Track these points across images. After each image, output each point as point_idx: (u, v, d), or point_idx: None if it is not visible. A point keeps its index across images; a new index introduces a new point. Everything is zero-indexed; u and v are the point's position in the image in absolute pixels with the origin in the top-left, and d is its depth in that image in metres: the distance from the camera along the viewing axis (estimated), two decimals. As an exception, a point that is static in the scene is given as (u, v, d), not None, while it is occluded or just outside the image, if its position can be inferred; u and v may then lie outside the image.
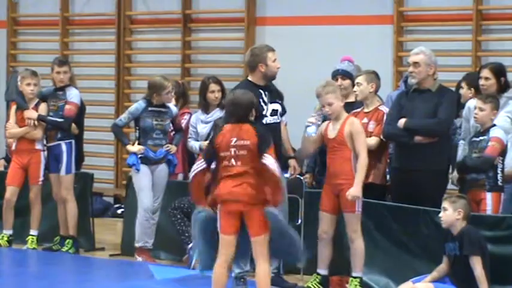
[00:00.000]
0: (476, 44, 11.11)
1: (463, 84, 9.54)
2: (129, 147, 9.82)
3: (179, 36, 13.33)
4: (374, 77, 9.39)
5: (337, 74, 9.40)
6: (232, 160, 7.42)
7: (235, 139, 7.45)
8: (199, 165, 7.92)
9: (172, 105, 10.11)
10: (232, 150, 7.43)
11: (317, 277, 8.61)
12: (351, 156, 8.39)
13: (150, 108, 9.85)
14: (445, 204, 7.99)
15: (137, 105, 9.92)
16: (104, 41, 14.22)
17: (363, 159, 8.38)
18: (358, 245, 8.38)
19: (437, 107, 8.77)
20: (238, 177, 7.42)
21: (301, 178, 8.90)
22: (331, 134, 8.46)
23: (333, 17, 11.96)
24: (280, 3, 12.46)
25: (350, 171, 8.35)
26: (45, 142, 10.47)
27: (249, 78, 8.78)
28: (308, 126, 8.56)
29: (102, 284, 9.36)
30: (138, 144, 9.78)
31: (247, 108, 7.59)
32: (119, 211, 11.57)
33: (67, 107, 10.34)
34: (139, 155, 9.73)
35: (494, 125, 8.53)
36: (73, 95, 10.41)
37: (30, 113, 10.34)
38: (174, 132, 10.12)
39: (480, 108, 8.55)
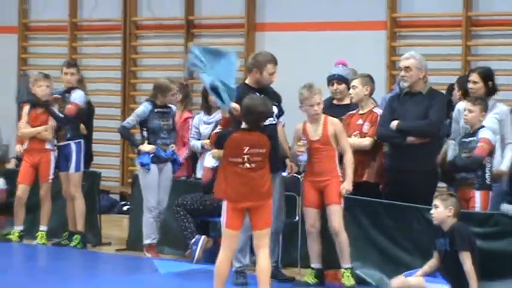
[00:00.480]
0: (466, 49, 11.15)
1: (456, 87, 9.60)
2: (142, 147, 9.80)
3: (182, 41, 13.33)
4: (369, 80, 9.41)
5: (333, 79, 9.45)
6: (247, 164, 7.40)
7: (248, 147, 7.42)
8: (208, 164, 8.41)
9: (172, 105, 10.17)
10: (246, 157, 7.40)
11: (312, 271, 8.61)
12: (336, 155, 8.45)
13: (156, 110, 9.87)
14: (436, 201, 8.04)
15: (144, 107, 9.92)
16: (110, 45, 14.25)
17: (350, 157, 8.50)
18: (343, 237, 8.38)
19: (428, 109, 8.80)
20: (250, 177, 7.43)
21: (299, 177, 8.92)
22: (314, 135, 8.53)
23: (329, 23, 11.96)
24: (279, 10, 12.47)
25: (335, 168, 8.45)
26: (55, 142, 10.49)
27: (246, 81, 8.83)
28: None
29: (109, 278, 9.37)
30: (148, 144, 9.79)
31: (261, 118, 7.59)
32: (125, 208, 11.59)
33: (68, 106, 10.39)
34: (151, 155, 9.76)
35: (483, 127, 8.54)
36: (76, 96, 10.44)
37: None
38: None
39: (469, 110, 8.57)
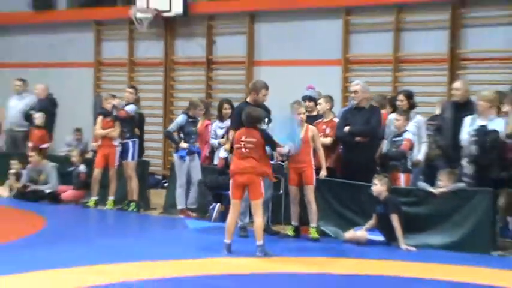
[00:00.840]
0: (395, 79, 11.01)
1: (388, 104, 9.58)
2: (182, 145, 9.72)
3: (203, 77, 13.01)
4: (330, 99, 9.43)
5: (305, 98, 9.32)
6: (243, 149, 7.49)
7: (244, 136, 7.53)
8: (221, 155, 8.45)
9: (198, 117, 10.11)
10: (243, 144, 7.50)
11: (291, 227, 8.62)
12: (311, 150, 8.43)
13: (189, 120, 9.84)
14: (375, 181, 8.20)
15: (182, 118, 9.85)
16: (153, 82, 13.75)
17: (322, 152, 8.48)
18: (313, 206, 8.36)
19: (369, 119, 8.82)
20: (246, 159, 7.49)
21: (283, 164, 8.79)
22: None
23: (303, 60, 11.77)
24: (270, 52, 12.24)
25: (310, 159, 8.40)
26: (119, 140, 10.43)
27: (247, 99, 8.80)
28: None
29: (154, 231, 9.33)
30: (184, 142, 9.75)
31: (256, 121, 7.64)
32: (165, 184, 11.58)
33: (120, 111, 10.41)
34: (186, 150, 9.73)
35: (407, 130, 8.66)
36: (129, 108, 10.42)
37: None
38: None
39: (397, 119, 8.71)
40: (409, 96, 9.11)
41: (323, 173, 8.49)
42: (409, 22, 11.19)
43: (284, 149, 8.05)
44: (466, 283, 6.50)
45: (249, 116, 7.67)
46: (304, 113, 8.59)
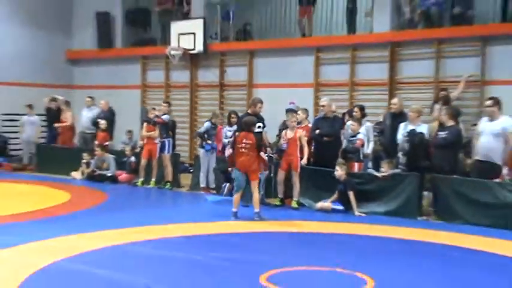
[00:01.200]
0: (351, 97, 10.84)
1: (347, 115, 9.48)
2: (207, 142, 9.63)
3: (217, 96, 12.77)
4: (306, 111, 9.43)
5: (289, 111, 9.19)
6: (243, 149, 7.49)
7: (244, 139, 7.52)
8: (229, 150, 8.19)
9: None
10: (243, 144, 7.48)
11: (278, 199, 8.61)
12: (298, 147, 8.36)
13: (212, 126, 9.78)
14: (337, 167, 8.19)
15: (207, 124, 9.78)
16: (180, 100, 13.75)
17: (306, 149, 8.40)
18: (298, 185, 8.34)
19: (333, 124, 8.79)
20: (246, 156, 7.48)
21: (272, 156, 8.79)
22: (290, 135, 8.41)
23: (287, 83, 11.65)
24: (264, 78, 12.14)
25: (297, 153, 8.33)
26: (159, 139, 10.33)
27: (248, 111, 8.77)
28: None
29: (183, 203, 9.21)
30: (208, 141, 9.68)
31: (250, 125, 7.67)
32: (190, 170, 11.55)
33: (158, 119, 10.25)
34: (209, 146, 9.67)
35: (359, 133, 8.63)
36: (164, 117, 10.28)
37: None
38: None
39: (353, 124, 8.69)
40: (362, 108, 9.15)
41: (304, 161, 8.38)
42: (360, 57, 11.10)
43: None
44: (400, 238, 6.53)
45: (244, 123, 7.70)
46: (295, 121, 8.53)
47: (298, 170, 8.34)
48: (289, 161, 8.37)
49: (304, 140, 8.46)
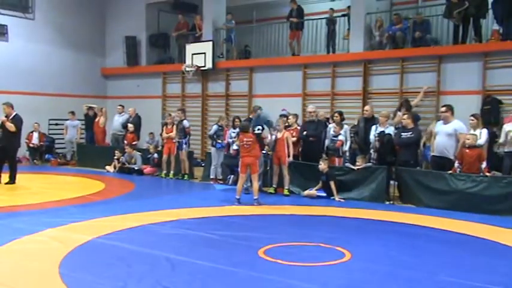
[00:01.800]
0: (332, 106, 10.78)
1: (331, 119, 9.37)
2: (218, 141, 9.58)
3: (223, 104, 12.56)
4: (296, 116, 9.36)
5: (282, 116, 9.16)
6: (245, 145, 7.47)
7: (245, 138, 7.52)
8: (234, 148, 8.25)
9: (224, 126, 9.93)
10: (245, 142, 7.48)
11: (272, 188, 8.52)
12: (285, 145, 8.33)
13: (219, 127, 9.75)
14: (321, 162, 8.11)
15: (216, 127, 9.74)
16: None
17: (292, 147, 8.32)
18: (287, 176, 8.28)
19: (318, 127, 8.78)
20: (248, 153, 7.46)
21: (268, 153, 8.74)
22: (279, 135, 8.39)
23: (281, 94, 11.60)
24: (262, 89, 12.08)
25: (284, 151, 8.30)
26: (177, 139, 10.28)
27: (250, 116, 8.83)
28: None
29: (197, 191, 9.06)
30: (218, 141, 9.62)
31: (245, 128, 7.66)
32: (202, 165, 11.46)
33: (180, 126, 10.21)
34: (219, 144, 9.61)
35: (340, 134, 8.56)
36: (185, 123, 10.24)
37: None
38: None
39: (334, 127, 8.63)
40: (341, 114, 8.99)
41: (290, 158, 8.37)
42: (339, 72, 11.02)
43: (267, 140, 8.00)
44: (372, 219, 6.52)
45: (241, 126, 7.87)
46: (283, 124, 8.57)
47: (287, 164, 8.29)
48: (278, 157, 8.35)
49: (290, 140, 8.39)
